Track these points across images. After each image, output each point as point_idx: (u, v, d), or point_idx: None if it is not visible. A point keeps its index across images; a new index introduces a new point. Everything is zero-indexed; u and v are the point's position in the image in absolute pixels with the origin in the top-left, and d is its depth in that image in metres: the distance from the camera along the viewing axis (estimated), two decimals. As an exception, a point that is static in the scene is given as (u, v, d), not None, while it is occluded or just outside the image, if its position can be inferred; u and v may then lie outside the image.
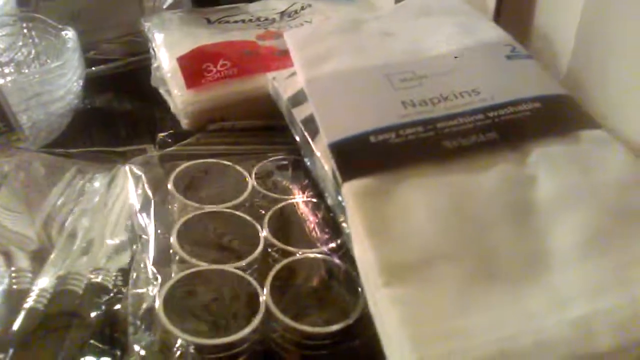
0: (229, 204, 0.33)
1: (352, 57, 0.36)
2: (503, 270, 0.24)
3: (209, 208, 0.33)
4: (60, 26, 0.48)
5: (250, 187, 0.35)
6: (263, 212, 0.34)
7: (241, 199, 0.34)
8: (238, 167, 0.36)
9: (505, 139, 0.29)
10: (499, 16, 0.48)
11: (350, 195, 0.27)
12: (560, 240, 0.25)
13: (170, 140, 0.41)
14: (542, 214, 0.26)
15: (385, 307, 0.24)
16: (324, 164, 0.31)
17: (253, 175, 0.36)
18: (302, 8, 0.53)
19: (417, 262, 0.25)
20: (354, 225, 0.27)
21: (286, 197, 0.35)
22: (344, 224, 0.29)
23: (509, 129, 0.29)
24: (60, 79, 0.44)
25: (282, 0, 0.56)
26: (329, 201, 0.32)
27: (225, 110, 0.42)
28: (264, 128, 0.41)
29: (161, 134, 0.42)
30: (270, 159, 0.38)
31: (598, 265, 0.24)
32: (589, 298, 0.23)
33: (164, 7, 0.66)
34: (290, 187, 0.36)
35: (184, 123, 0.42)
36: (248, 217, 0.32)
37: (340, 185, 0.28)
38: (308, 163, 0.35)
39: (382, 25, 0.40)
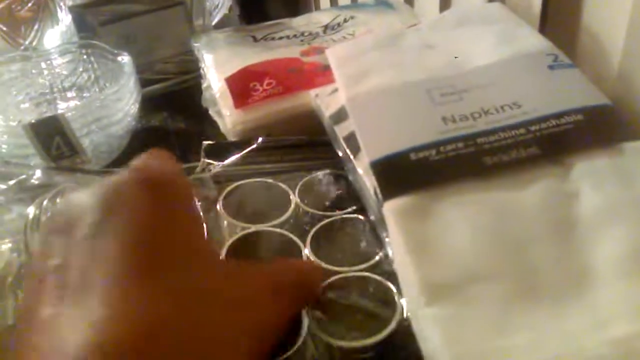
0: (274, 222, 0.34)
1: (393, 73, 0.37)
2: (544, 288, 0.24)
3: (255, 227, 0.34)
4: (116, 51, 0.51)
5: (293, 204, 0.36)
6: (307, 228, 0.35)
7: (285, 216, 0.35)
8: (282, 185, 0.37)
9: (546, 154, 0.29)
10: (545, 17, 0.48)
11: (391, 214, 0.28)
12: (603, 257, 0.25)
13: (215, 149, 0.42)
14: (585, 230, 0.26)
15: (427, 326, 0.24)
16: (366, 181, 0.32)
17: (297, 193, 0.37)
18: (345, 20, 0.54)
19: (458, 281, 0.25)
20: (395, 243, 0.28)
21: (330, 213, 0.36)
22: (387, 239, 0.30)
23: (550, 143, 0.29)
24: (118, 103, 0.46)
25: (325, 13, 0.57)
26: (372, 217, 0.33)
27: (272, 128, 0.44)
28: (309, 144, 0.42)
29: (206, 142, 0.42)
30: (314, 174, 0.39)
31: (642, 283, 0.24)
32: (632, 318, 0.22)
33: (213, 24, 0.69)
34: (334, 203, 0.37)
35: (233, 141, 0.44)
36: (291, 236, 0.33)
37: (382, 203, 0.29)
38: (351, 179, 0.36)
39: (422, 37, 0.41)
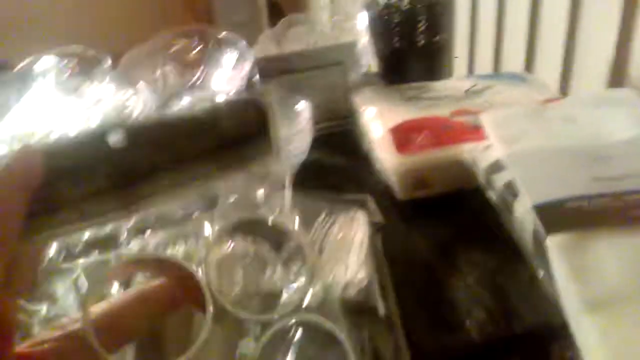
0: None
1: (544, 137, 0.46)
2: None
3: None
4: (295, 97, 0.63)
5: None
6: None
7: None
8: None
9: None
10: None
11: (554, 245, 0.37)
12: None
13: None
14: None
15: (586, 330, 0.32)
16: (525, 220, 0.41)
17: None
18: (484, 88, 0.63)
19: (610, 299, 0.33)
20: (558, 270, 0.36)
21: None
22: (542, 272, 0.38)
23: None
24: (299, 142, 0.57)
25: (462, 81, 0.67)
26: (526, 253, 0.41)
27: (426, 173, 0.53)
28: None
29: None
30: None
31: None
32: None
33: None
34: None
35: (392, 181, 0.54)
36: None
37: (544, 239, 0.37)
38: (505, 220, 0.45)
39: (564, 112, 0.50)
